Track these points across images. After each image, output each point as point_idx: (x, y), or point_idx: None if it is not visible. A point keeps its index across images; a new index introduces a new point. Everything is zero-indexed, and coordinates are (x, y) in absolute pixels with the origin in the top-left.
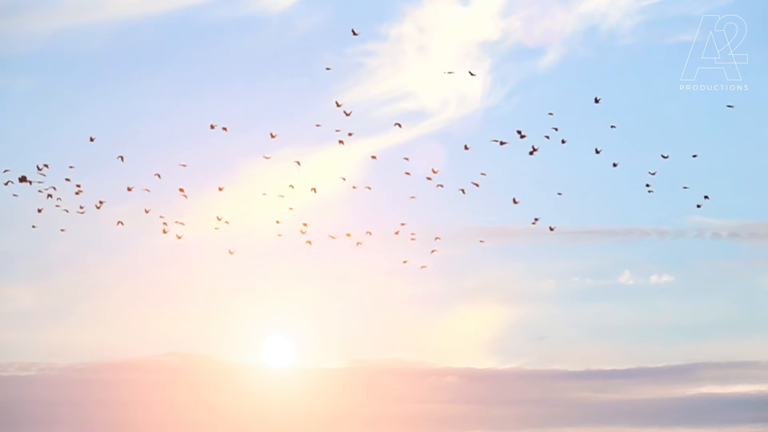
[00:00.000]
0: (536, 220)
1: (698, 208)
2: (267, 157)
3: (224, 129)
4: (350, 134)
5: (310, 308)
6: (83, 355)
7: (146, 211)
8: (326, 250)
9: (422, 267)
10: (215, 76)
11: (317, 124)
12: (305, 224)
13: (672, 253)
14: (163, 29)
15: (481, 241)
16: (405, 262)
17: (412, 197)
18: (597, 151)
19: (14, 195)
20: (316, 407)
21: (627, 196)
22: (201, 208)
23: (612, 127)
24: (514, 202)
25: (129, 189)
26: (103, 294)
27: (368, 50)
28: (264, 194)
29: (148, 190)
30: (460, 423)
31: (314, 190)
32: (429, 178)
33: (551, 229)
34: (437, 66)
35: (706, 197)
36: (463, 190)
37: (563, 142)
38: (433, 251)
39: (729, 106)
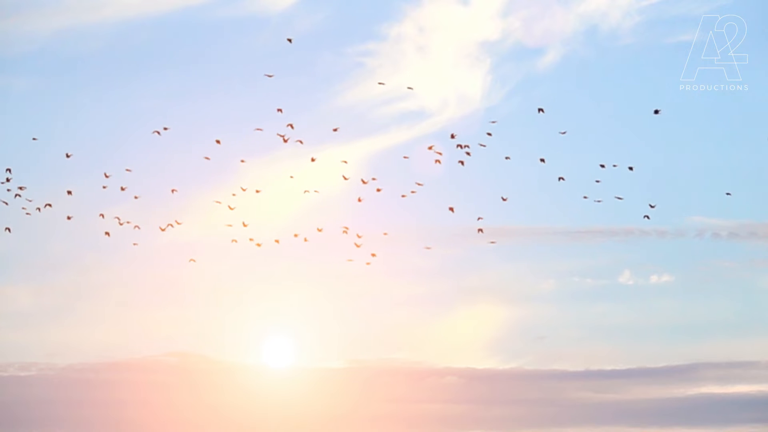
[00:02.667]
0: (480, 228)
1: (646, 219)
2: (243, 161)
3: (165, 129)
4: (300, 141)
5: (310, 308)
6: (83, 355)
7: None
8: (326, 250)
9: (367, 264)
10: (215, 76)
11: (257, 128)
12: (245, 224)
13: (672, 253)
14: (163, 29)
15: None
16: (350, 260)
17: (404, 196)
18: (548, 161)
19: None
20: (316, 407)
21: (627, 195)
22: (202, 209)
23: (562, 133)
24: (453, 208)
25: (122, 189)
26: (103, 294)
27: (368, 50)
28: (258, 191)
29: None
30: (460, 423)
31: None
32: (365, 182)
33: (492, 242)
34: (437, 66)
35: (651, 206)
36: (404, 195)
37: (507, 158)
38: (373, 255)
39: (655, 112)
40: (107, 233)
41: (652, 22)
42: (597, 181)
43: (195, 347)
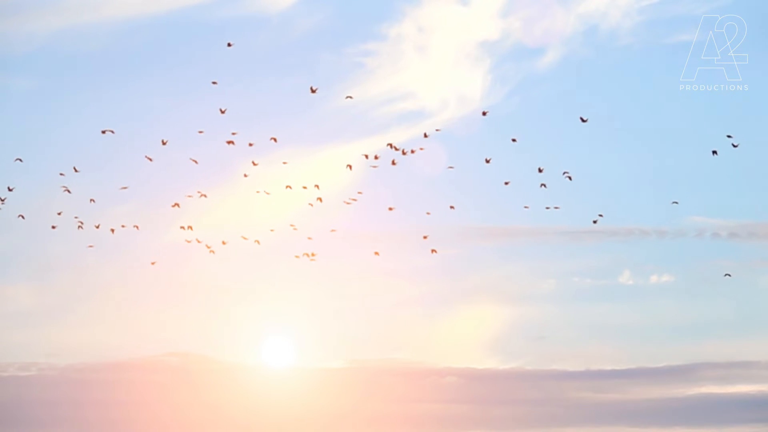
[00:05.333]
0: (425, 235)
1: (594, 224)
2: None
3: (111, 131)
4: (234, 134)
5: (310, 308)
6: (83, 355)
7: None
8: (326, 250)
9: (312, 257)
10: (215, 76)
11: (200, 130)
12: (190, 227)
13: (672, 253)
14: (163, 29)
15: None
16: (297, 256)
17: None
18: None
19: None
20: (316, 407)
21: (627, 195)
22: (201, 209)
23: (513, 140)
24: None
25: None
26: (103, 294)
27: (368, 50)
28: (259, 192)
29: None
30: (460, 423)
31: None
32: (304, 187)
33: (433, 251)
34: (437, 66)
35: (600, 215)
36: (353, 199)
37: (450, 167)
38: (313, 254)
39: (583, 120)
40: (53, 227)
41: (652, 22)
42: (542, 185)
43: (195, 347)
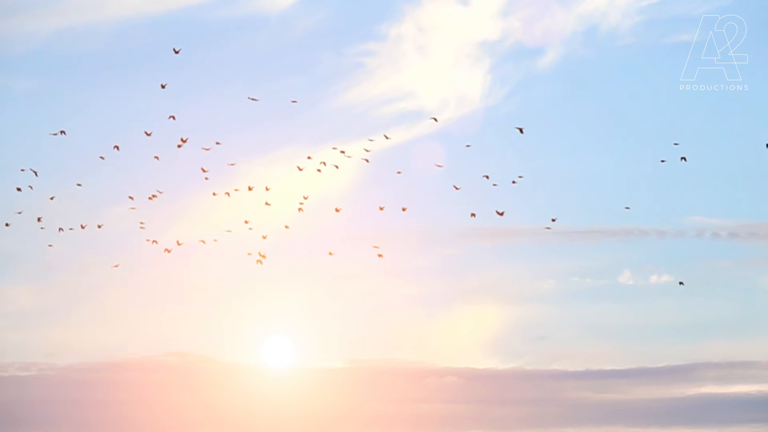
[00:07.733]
0: (376, 245)
1: (549, 229)
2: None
3: (62, 132)
4: (184, 140)
5: (310, 308)
6: (83, 355)
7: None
8: (326, 250)
9: (262, 257)
10: (215, 76)
11: (147, 132)
12: (142, 224)
13: (672, 253)
14: (163, 29)
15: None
16: (249, 254)
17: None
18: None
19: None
20: (316, 407)
21: (626, 195)
22: (199, 210)
23: (467, 146)
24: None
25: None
26: (103, 294)
27: (368, 50)
28: (253, 187)
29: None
30: (460, 423)
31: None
32: (266, 201)
33: (380, 255)
34: (437, 66)
35: (553, 220)
36: (299, 208)
37: (398, 173)
38: (263, 255)
39: (520, 131)
40: (7, 224)
41: (652, 22)
42: (518, 179)
43: (195, 347)
